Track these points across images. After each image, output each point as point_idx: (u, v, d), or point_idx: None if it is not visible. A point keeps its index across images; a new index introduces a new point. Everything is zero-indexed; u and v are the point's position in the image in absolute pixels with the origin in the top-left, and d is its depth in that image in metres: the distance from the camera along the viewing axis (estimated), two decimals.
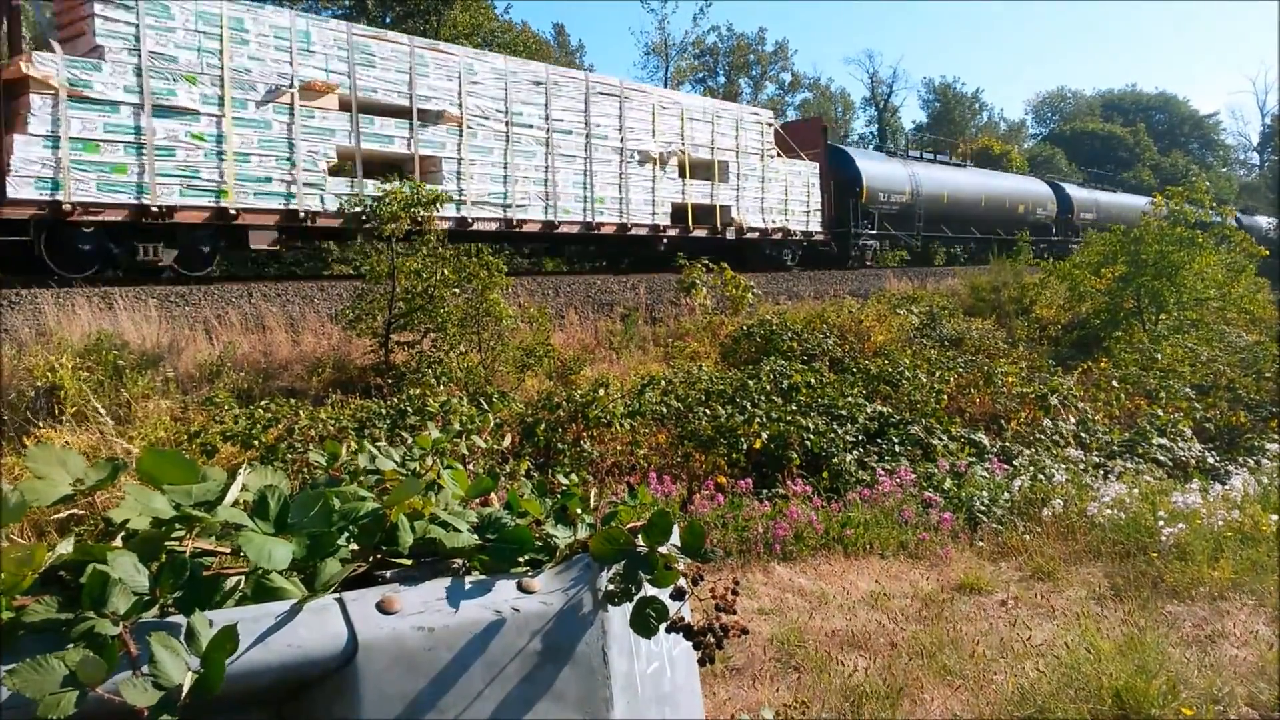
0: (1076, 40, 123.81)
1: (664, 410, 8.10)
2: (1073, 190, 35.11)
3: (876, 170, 24.26)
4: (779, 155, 20.52)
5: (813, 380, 9.22)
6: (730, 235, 18.77)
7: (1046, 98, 78.90)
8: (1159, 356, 12.51)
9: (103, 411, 7.50)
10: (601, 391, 7.80)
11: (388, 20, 27.84)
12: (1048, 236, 31.81)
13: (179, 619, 0.98)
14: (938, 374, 10.15)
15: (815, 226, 21.31)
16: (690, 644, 1.24)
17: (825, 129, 24.32)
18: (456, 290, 10.23)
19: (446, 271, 9.92)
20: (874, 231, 23.67)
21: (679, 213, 17.77)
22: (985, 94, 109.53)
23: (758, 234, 19.66)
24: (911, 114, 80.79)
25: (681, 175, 17.75)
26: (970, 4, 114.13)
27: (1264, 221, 43.47)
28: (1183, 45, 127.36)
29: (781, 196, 20.26)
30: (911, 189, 25.07)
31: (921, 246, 26.20)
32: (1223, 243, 17.77)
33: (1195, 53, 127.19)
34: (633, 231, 16.67)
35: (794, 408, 8.26)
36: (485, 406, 7.51)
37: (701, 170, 18.36)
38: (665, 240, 17.48)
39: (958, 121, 61.85)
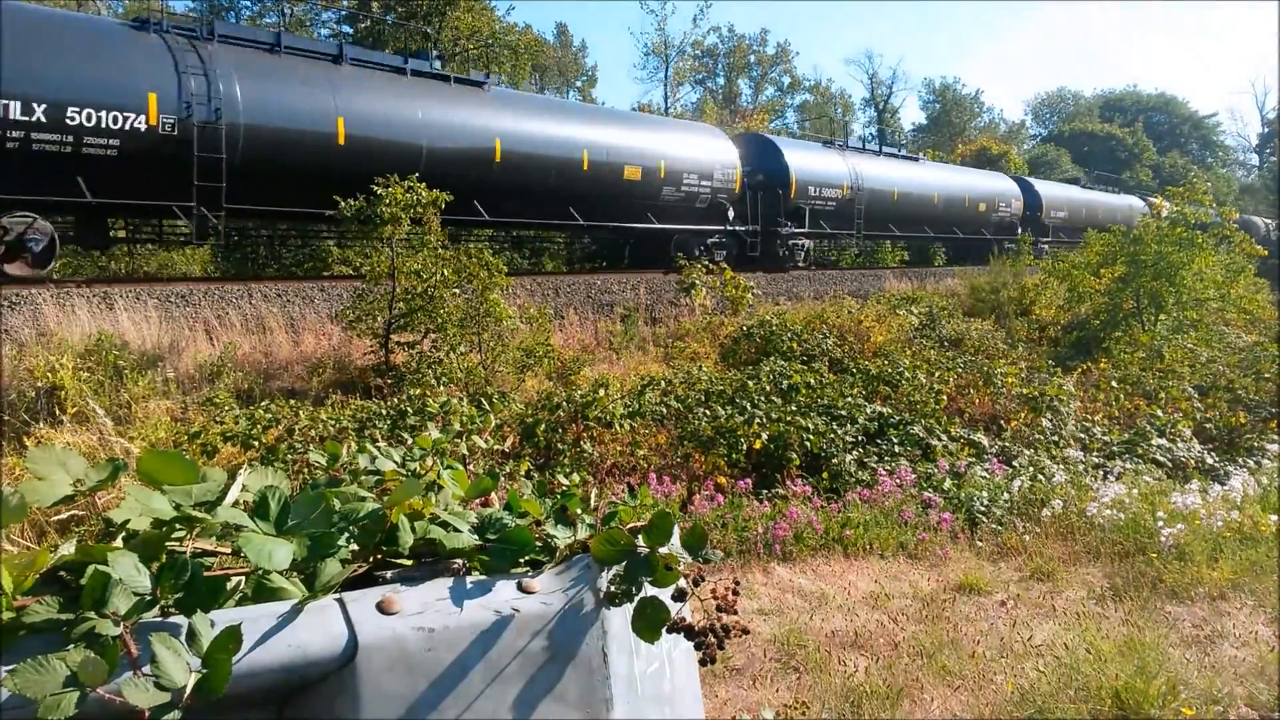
0: (1076, 40, 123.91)
1: (664, 411, 8.10)
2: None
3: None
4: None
5: (812, 381, 9.22)
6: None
7: (1046, 98, 79.01)
8: (1164, 355, 12.52)
9: (100, 412, 7.49)
10: (601, 392, 7.80)
11: (389, 21, 27.83)
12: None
13: (180, 619, 0.98)
14: (937, 374, 10.15)
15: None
16: (690, 644, 1.24)
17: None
18: (456, 291, 10.23)
19: (446, 272, 9.92)
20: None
21: None
22: (985, 95, 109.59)
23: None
24: (912, 115, 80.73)
25: None
26: (970, 4, 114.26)
27: (1261, 223, 43.43)
28: (1183, 45, 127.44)
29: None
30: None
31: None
32: (1222, 243, 17.78)
33: (1195, 53, 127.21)
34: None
35: (794, 408, 8.26)
36: (485, 407, 7.51)
37: None
38: None
39: (957, 123, 61.88)
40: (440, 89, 15.05)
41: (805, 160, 22.17)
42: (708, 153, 19.40)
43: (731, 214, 19.62)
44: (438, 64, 15.94)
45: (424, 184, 10.24)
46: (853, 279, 21.04)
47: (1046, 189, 33.61)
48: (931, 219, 26.56)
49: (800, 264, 21.32)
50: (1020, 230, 29.55)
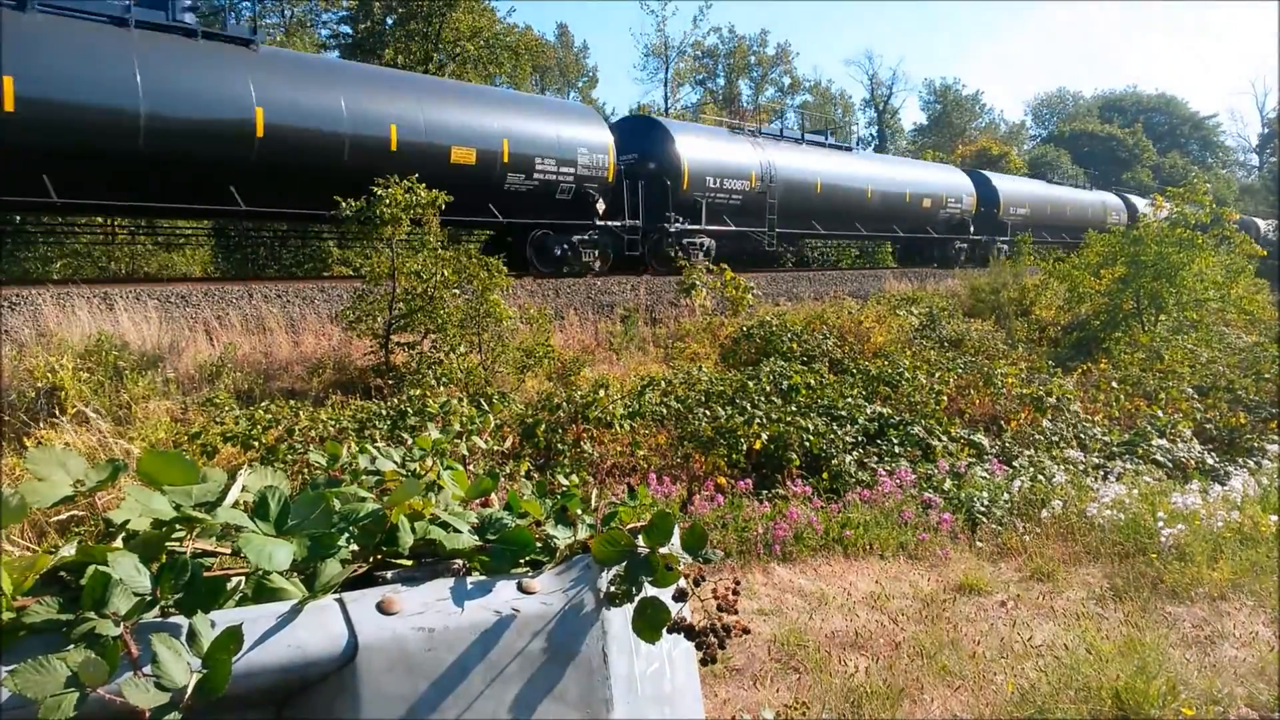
0: (1077, 40, 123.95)
1: (664, 411, 8.10)
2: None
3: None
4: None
5: (812, 381, 9.22)
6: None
7: (1045, 99, 79.01)
8: (1164, 356, 12.52)
9: (96, 414, 7.49)
10: (601, 392, 7.80)
11: (389, 22, 27.84)
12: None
13: (180, 620, 0.98)
14: (937, 375, 10.15)
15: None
16: (690, 644, 1.25)
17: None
18: (457, 291, 10.23)
19: (447, 272, 9.92)
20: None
21: None
22: (985, 95, 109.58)
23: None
24: (913, 116, 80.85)
25: None
26: (970, 4, 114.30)
27: (1262, 224, 43.27)
28: (1183, 46, 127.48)
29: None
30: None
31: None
32: (1222, 243, 17.79)
33: (1195, 53, 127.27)
34: None
35: (794, 409, 8.27)
36: (485, 407, 7.51)
37: None
38: None
39: (958, 124, 61.89)
40: (181, 47, 11.61)
41: (702, 147, 19.07)
42: (570, 134, 16.01)
43: (603, 207, 16.45)
44: (190, 16, 12.19)
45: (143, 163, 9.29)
46: (853, 279, 21.05)
47: (1005, 183, 31.02)
48: (865, 215, 23.62)
49: (698, 264, 16.74)
50: (973, 229, 27.55)
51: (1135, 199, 39.25)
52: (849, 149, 25.32)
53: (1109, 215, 35.55)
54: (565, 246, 16.13)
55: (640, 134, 18.73)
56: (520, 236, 15.76)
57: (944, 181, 27.45)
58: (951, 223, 27.08)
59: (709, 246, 18.89)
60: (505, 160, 14.87)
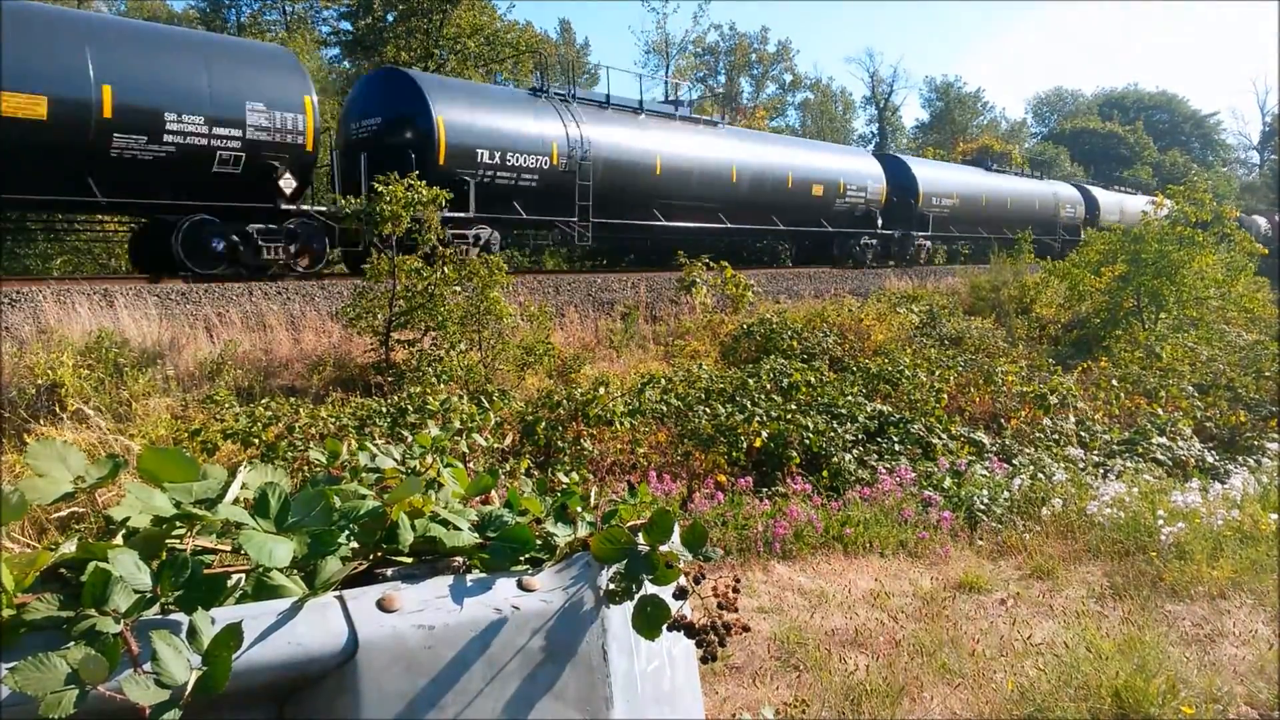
0: (1077, 39, 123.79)
1: (664, 409, 8.10)
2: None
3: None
4: None
5: (813, 379, 9.22)
6: None
7: (1045, 97, 78.94)
8: (1164, 354, 12.52)
9: (94, 412, 7.49)
10: (602, 390, 7.80)
11: (390, 19, 27.79)
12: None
13: (180, 617, 0.98)
14: (938, 373, 10.16)
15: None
16: (690, 642, 1.25)
17: None
18: (457, 288, 10.23)
19: (447, 270, 9.92)
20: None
21: None
22: (986, 93, 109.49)
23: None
24: (914, 113, 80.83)
25: None
26: (970, 4, 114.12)
27: (1262, 222, 42.94)
28: (1183, 45, 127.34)
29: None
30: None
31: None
32: (1223, 241, 17.78)
33: (1196, 53, 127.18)
34: None
35: (794, 406, 8.27)
36: (485, 405, 7.51)
37: None
38: None
39: (960, 121, 61.84)
40: None
41: (472, 112, 14.68)
42: (245, 86, 11.58)
43: (292, 184, 12.09)
44: None
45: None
46: (853, 278, 21.02)
47: (926, 170, 26.48)
48: (730, 204, 19.33)
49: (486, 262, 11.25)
50: (882, 222, 23.69)
51: (1098, 191, 36.85)
52: (713, 123, 20.75)
53: (1062, 209, 32.67)
54: (236, 238, 11.70)
55: (388, 93, 14.39)
56: (161, 227, 11.61)
57: (842, 166, 22.81)
58: (854, 214, 22.99)
59: (488, 239, 14.68)
60: (107, 114, 10.34)
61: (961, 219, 27.07)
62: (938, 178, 26.67)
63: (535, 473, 6.64)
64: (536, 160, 15.44)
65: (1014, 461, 7.77)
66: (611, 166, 16.68)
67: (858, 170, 23.33)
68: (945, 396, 9.37)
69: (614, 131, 17.08)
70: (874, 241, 23.64)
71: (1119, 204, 36.97)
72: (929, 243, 25.81)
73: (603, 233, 17.16)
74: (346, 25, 30.61)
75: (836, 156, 23.67)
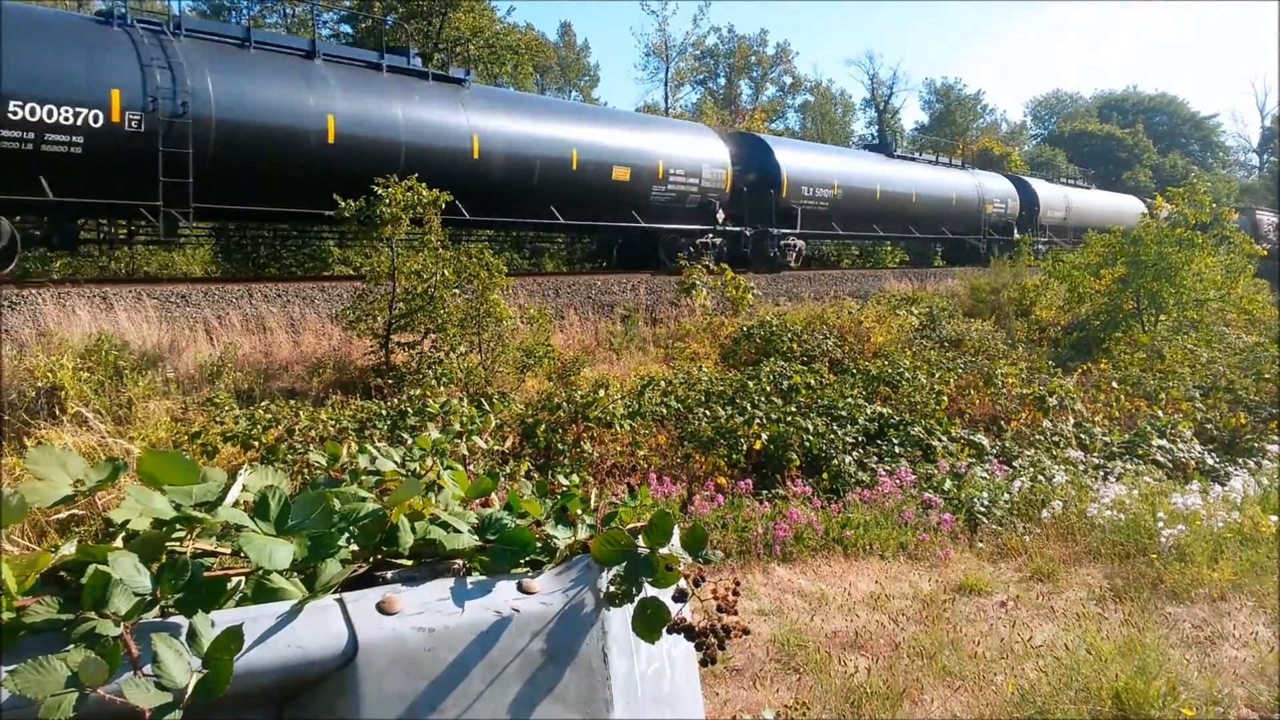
0: (1076, 41, 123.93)
1: (664, 411, 8.10)
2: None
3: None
4: None
5: (812, 381, 9.22)
6: None
7: (1044, 99, 79.00)
8: (1164, 356, 12.52)
9: (94, 415, 7.49)
10: (601, 392, 7.80)
11: (388, 22, 27.82)
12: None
13: (180, 619, 0.98)
14: (938, 375, 10.15)
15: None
16: (690, 645, 1.24)
17: None
18: (457, 291, 10.24)
19: (447, 272, 9.93)
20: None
21: None
22: (986, 95, 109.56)
23: None
24: (914, 115, 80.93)
25: None
26: (970, 4, 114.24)
27: (1265, 220, 42.51)
28: (1183, 46, 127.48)
29: None
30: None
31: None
32: (1222, 243, 17.79)
33: (1195, 53, 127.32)
34: None
35: (794, 409, 8.27)
36: (485, 407, 7.51)
37: None
38: None
39: (960, 123, 61.87)
40: None
41: (235, 75, 11.49)
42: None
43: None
44: None
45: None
46: (853, 279, 21.01)
47: (792, 154, 21.35)
48: (480, 192, 14.42)
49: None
50: (723, 217, 19.00)
51: (1038, 183, 31.70)
52: (458, 80, 15.06)
53: (988, 205, 27.72)
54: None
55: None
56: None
57: (664, 147, 17.89)
58: (684, 208, 18.31)
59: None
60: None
61: (846, 214, 22.24)
62: (808, 166, 21.54)
63: (535, 475, 6.64)
64: (281, 127, 11.53)
65: (1014, 464, 7.77)
66: (249, 134, 11.69)
67: (686, 153, 18.39)
68: (945, 399, 9.36)
69: (257, 89, 11.92)
70: (717, 241, 19.06)
71: (1064, 198, 32.25)
72: (800, 242, 21.21)
73: (222, 221, 12.76)
74: (347, 29, 30.65)
75: (654, 133, 18.44)
